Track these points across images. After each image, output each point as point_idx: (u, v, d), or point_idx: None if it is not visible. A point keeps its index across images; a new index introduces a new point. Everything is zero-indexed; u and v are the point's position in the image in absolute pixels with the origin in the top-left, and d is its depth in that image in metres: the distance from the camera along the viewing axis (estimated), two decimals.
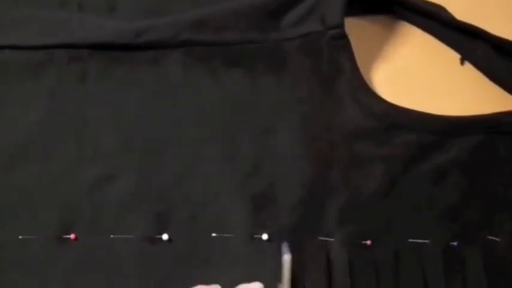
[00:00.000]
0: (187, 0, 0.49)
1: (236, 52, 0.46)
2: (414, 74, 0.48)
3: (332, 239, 0.42)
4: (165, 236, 0.41)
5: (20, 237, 0.41)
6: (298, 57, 0.46)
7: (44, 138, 0.43)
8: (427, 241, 0.42)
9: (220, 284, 0.40)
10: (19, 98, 0.45)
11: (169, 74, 0.45)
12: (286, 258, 0.36)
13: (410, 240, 0.42)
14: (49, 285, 0.40)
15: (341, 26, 0.45)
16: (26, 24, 0.46)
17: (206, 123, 0.44)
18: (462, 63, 0.49)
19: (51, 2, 0.48)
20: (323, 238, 0.42)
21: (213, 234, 0.41)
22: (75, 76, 0.45)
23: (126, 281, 0.40)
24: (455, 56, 0.49)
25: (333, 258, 0.41)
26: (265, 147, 0.44)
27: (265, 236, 0.41)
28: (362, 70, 0.45)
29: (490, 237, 0.42)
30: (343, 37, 0.45)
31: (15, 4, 0.48)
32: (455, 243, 0.42)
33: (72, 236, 0.41)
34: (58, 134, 0.44)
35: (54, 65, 0.45)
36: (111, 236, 0.41)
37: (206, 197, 0.42)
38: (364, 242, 0.42)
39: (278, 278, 0.38)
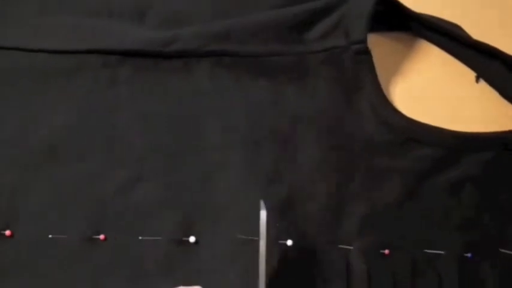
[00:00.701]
0: (214, 9, 0.50)
1: (261, 63, 0.47)
2: (431, 90, 0.50)
3: (351, 247, 0.43)
4: (192, 239, 0.43)
5: (50, 236, 0.42)
6: (321, 70, 0.47)
7: (74, 141, 0.45)
8: (442, 252, 0.44)
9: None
10: (51, 100, 0.46)
11: (197, 82, 0.47)
12: (263, 213, 0.37)
13: (426, 250, 0.44)
14: (78, 284, 0.41)
15: (364, 41, 0.47)
16: (58, 30, 0.48)
17: (231, 131, 0.46)
18: (477, 80, 0.51)
19: (82, 8, 0.49)
20: (343, 246, 0.43)
21: (239, 236, 0.43)
22: (106, 81, 0.46)
23: (153, 281, 0.41)
24: (471, 74, 0.51)
25: (352, 266, 0.43)
26: (286, 156, 0.45)
27: (289, 242, 0.43)
28: (381, 84, 0.47)
29: (502, 250, 0.44)
30: (366, 52, 0.47)
31: (46, 9, 0.49)
32: (469, 255, 0.44)
33: (101, 236, 0.42)
34: (88, 137, 0.45)
35: (86, 70, 0.46)
36: (140, 237, 0.42)
37: (231, 202, 0.44)
38: (382, 251, 0.43)
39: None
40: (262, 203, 0.39)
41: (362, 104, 0.47)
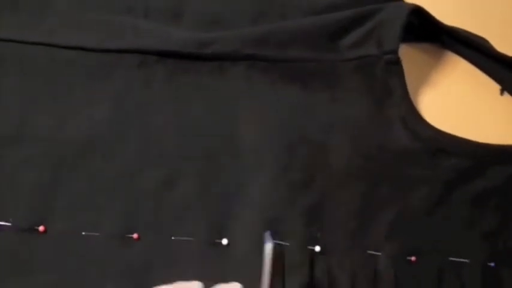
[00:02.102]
0: (250, 13, 0.51)
1: (295, 69, 0.48)
2: (457, 101, 0.51)
3: (379, 253, 0.44)
4: (224, 241, 0.43)
5: (83, 233, 0.43)
6: (353, 78, 0.48)
7: (109, 138, 0.45)
8: (466, 260, 0.45)
9: None
10: (86, 97, 0.46)
11: (232, 85, 0.47)
12: (268, 247, 0.38)
13: (451, 258, 0.45)
14: (108, 283, 0.42)
15: (396, 51, 0.48)
16: (95, 27, 0.48)
17: (264, 134, 0.46)
18: (502, 93, 0.52)
19: (118, 6, 0.50)
20: (372, 252, 0.44)
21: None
22: (142, 80, 0.47)
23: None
24: (496, 86, 0.53)
25: (380, 272, 0.44)
26: (317, 161, 0.46)
27: (317, 248, 0.44)
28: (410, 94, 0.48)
29: None
30: (397, 62, 0.48)
31: (82, 5, 0.49)
32: (492, 264, 0.45)
33: (135, 235, 0.43)
34: (123, 135, 0.45)
35: (122, 68, 0.47)
36: (172, 237, 0.43)
37: (262, 205, 0.44)
38: (409, 258, 0.44)
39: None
40: (267, 235, 0.39)
41: (391, 113, 0.47)
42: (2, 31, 0.47)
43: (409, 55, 0.51)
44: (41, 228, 0.42)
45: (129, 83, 0.47)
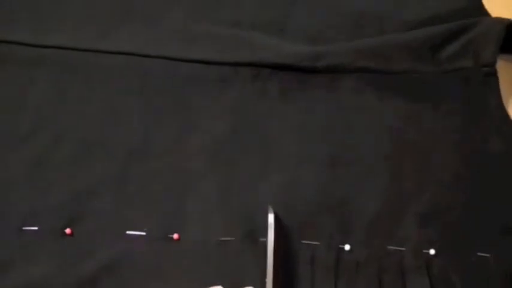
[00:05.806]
0: (348, 26, 0.53)
1: (400, 80, 0.51)
2: None
3: (488, 255, 0.47)
4: (347, 247, 0.45)
5: (216, 239, 0.45)
6: (452, 89, 0.51)
7: (231, 148, 0.48)
8: None
9: None
10: (205, 110, 0.49)
11: (343, 96, 0.50)
12: (271, 217, 0.41)
13: None
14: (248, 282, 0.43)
15: (494, 64, 0.51)
16: (210, 40, 0.50)
17: (375, 144, 0.49)
18: None
19: (225, 19, 0.52)
20: (482, 254, 0.47)
21: (389, 247, 0.46)
22: (257, 93, 0.49)
23: (308, 284, 0.44)
24: None
25: (492, 273, 0.46)
26: (425, 169, 0.49)
27: (432, 251, 0.46)
28: None
29: None
30: (494, 75, 0.51)
31: (191, 18, 0.52)
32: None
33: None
34: (245, 146, 0.48)
35: (238, 81, 0.49)
36: (302, 241, 0.45)
37: (379, 212, 0.47)
38: None
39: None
40: (270, 208, 0.42)
41: (487, 122, 0.50)
42: (113, 44, 0.49)
43: (499, 66, 0.53)
44: (175, 236, 0.44)
45: (245, 96, 0.49)
